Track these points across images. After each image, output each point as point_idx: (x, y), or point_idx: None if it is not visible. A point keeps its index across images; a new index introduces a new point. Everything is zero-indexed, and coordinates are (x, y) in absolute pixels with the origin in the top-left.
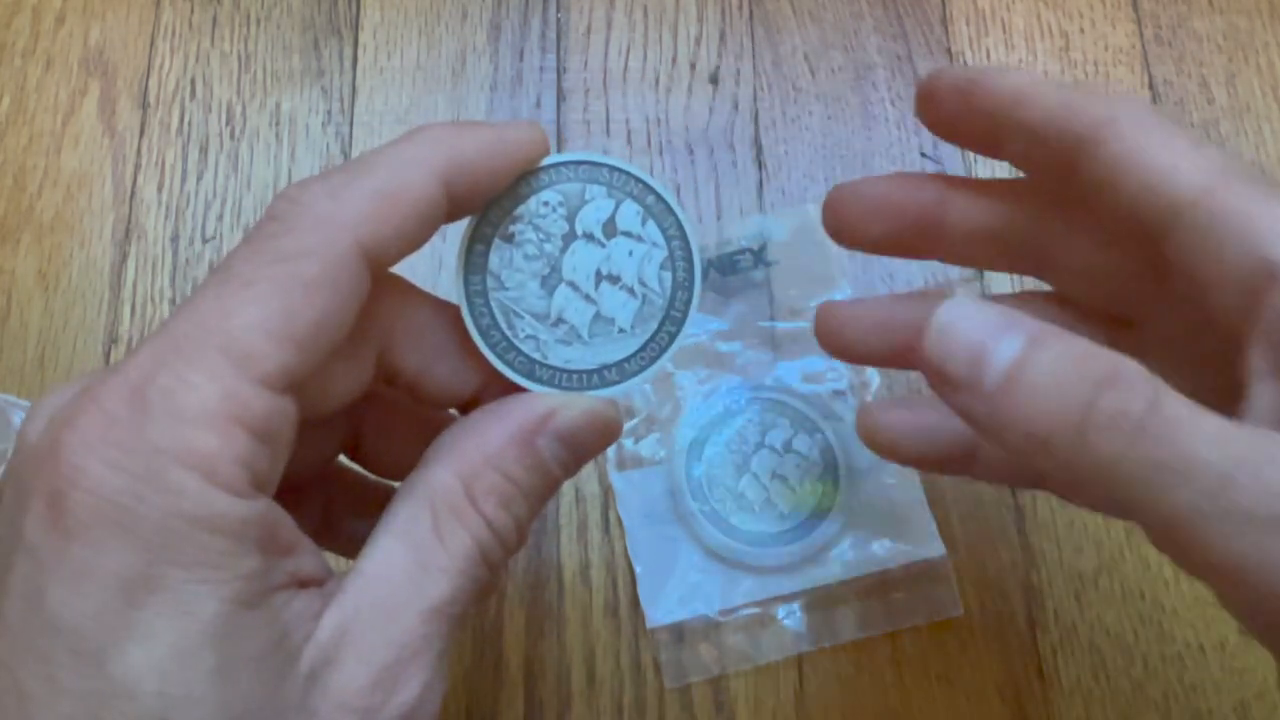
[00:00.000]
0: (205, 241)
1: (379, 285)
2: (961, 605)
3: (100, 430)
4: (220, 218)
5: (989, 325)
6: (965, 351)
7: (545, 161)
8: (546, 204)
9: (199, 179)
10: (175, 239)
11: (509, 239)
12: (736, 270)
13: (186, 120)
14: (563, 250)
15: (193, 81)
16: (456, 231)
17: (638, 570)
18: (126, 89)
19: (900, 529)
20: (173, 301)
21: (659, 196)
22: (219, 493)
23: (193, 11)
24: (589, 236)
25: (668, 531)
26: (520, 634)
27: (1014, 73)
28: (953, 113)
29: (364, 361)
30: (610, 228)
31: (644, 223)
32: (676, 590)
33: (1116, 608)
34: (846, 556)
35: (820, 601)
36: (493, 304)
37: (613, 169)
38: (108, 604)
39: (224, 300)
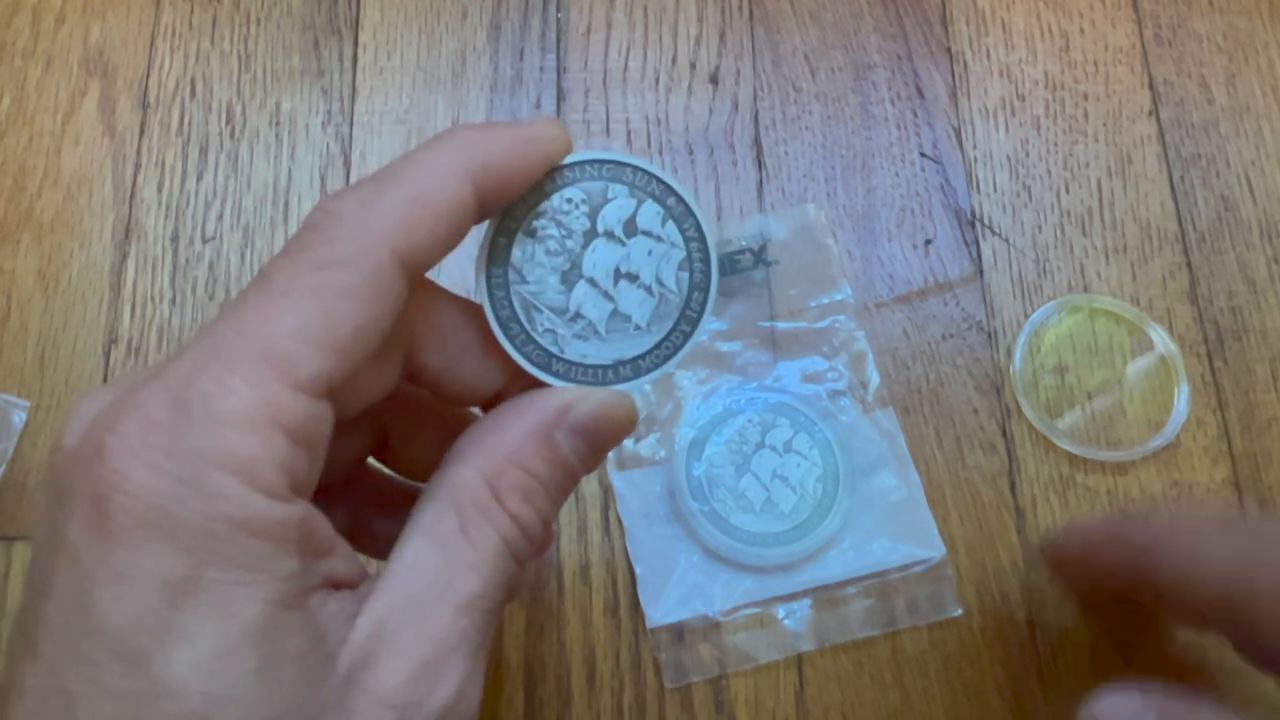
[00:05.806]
0: (205, 241)
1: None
2: (961, 605)
3: (142, 435)
4: (220, 218)
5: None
6: None
7: (570, 159)
8: (570, 201)
9: (199, 179)
10: (175, 239)
11: (531, 234)
12: (736, 270)
13: (186, 120)
14: (584, 247)
15: (193, 81)
16: (480, 229)
17: (638, 570)
18: (126, 89)
19: (900, 529)
20: (173, 301)
21: (680, 198)
22: (258, 496)
23: (193, 11)
24: (610, 234)
25: (668, 531)
26: (520, 634)
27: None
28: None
29: (392, 360)
30: (631, 227)
31: (664, 223)
32: (676, 590)
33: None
34: (846, 556)
35: (820, 601)
36: (513, 297)
37: (636, 169)
38: (150, 606)
39: (263, 308)
